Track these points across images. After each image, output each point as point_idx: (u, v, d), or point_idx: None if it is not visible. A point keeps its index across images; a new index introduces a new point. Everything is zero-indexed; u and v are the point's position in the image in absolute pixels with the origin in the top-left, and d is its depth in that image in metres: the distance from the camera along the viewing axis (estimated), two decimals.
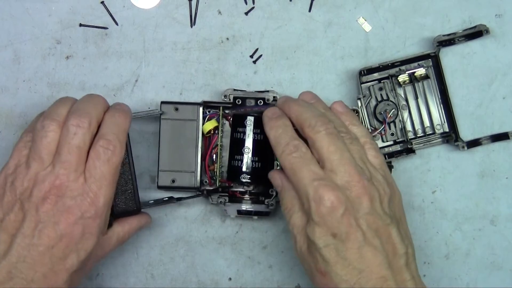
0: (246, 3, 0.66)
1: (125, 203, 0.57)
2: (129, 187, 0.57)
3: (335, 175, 0.51)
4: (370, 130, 0.63)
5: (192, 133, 0.61)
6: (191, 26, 0.66)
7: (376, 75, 0.64)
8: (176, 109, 0.61)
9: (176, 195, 0.65)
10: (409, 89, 0.65)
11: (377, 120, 0.64)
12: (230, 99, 0.62)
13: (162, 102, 0.61)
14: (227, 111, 0.63)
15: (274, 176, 0.56)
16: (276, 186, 0.57)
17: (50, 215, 0.50)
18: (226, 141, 0.64)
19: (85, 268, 0.54)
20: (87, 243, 0.52)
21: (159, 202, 0.62)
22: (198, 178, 0.61)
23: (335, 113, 0.57)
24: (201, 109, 0.61)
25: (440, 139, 0.65)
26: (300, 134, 0.54)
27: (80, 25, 0.65)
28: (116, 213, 0.57)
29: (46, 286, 0.50)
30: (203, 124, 0.62)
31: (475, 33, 0.64)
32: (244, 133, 0.62)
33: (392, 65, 0.64)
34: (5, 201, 0.51)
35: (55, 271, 0.50)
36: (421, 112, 0.65)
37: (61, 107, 0.53)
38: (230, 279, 0.65)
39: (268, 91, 0.63)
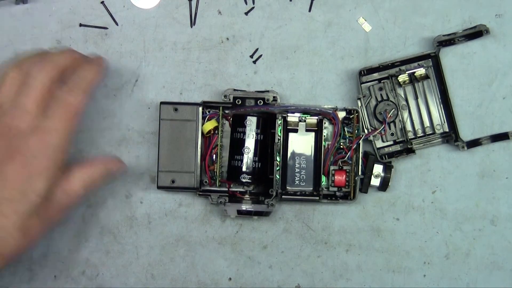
0: (246, 3, 0.66)
1: None
2: None
3: None
4: (370, 130, 0.63)
5: (191, 133, 0.61)
6: (191, 26, 0.66)
7: (376, 75, 0.64)
8: (176, 109, 0.61)
9: (176, 195, 0.65)
10: (409, 89, 0.65)
11: (377, 120, 0.64)
12: (230, 99, 0.62)
13: (162, 103, 0.61)
14: (227, 111, 0.63)
15: None
16: None
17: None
18: (226, 141, 0.64)
19: (45, 215, 0.53)
20: (36, 184, 0.52)
21: None
22: (198, 178, 0.61)
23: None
24: (200, 109, 0.61)
25: (440, 139, 0.65)
26: None
27: (80, 25, 0.65)
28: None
29: None
30: (202, 124, 0.62)
31: (475, 33, 0.64)
32: (244, 133, 0.62)
33: (392, 65, 0.64)
34: None
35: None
36: (421, 112, 0.65)
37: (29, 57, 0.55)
38: (230, 279, 0.65)
39: (268, 91, 0.63)
